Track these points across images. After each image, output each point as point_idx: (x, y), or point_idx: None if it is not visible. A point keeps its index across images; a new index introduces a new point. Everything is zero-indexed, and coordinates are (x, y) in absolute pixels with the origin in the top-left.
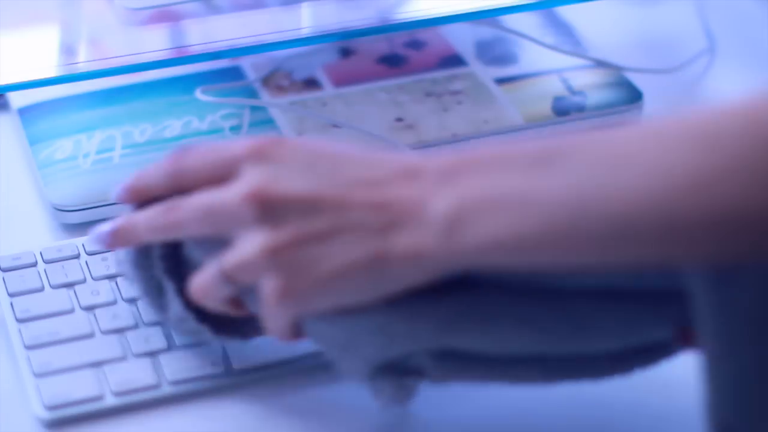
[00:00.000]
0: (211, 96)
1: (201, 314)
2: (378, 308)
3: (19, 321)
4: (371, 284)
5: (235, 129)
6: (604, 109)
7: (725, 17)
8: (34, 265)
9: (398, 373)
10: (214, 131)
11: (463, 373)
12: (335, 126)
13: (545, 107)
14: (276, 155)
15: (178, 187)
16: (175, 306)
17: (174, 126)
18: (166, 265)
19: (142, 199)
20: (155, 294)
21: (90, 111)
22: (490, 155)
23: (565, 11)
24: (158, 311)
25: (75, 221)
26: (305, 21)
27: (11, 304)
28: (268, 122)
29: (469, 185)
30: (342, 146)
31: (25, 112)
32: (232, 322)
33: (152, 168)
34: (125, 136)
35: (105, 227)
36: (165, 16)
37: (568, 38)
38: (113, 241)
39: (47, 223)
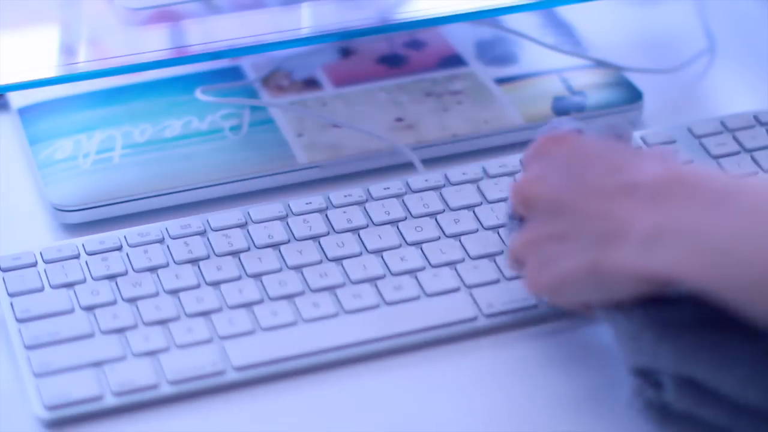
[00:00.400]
0: (211, 96)
1: None
2: (635, 315)
3: (19, 321)
4: (591, 289)
5: (235, 129)
6: (604, 109)
7: (725, 17)
8: (34, 265)
9: (647, 382)
10: (214, 131)
11: (699, 406)
12: (335, 126)
13: (545, 107)
14: (549, 153)
15: None
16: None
17: (174, 126)
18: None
19: None
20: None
21: (90, 111)
22: (689, 181)
23: (565, 11)
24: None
25: (75, 221)
26: (305, 21)
27: (11, 304)
28: (268, 122)
29: (666, 211)
30: (593, 149)
31: (25, 112)
32: None
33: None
34: (125, 136)
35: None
36: (165, 16)
37: (568, 38)
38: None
39: (47, 223)
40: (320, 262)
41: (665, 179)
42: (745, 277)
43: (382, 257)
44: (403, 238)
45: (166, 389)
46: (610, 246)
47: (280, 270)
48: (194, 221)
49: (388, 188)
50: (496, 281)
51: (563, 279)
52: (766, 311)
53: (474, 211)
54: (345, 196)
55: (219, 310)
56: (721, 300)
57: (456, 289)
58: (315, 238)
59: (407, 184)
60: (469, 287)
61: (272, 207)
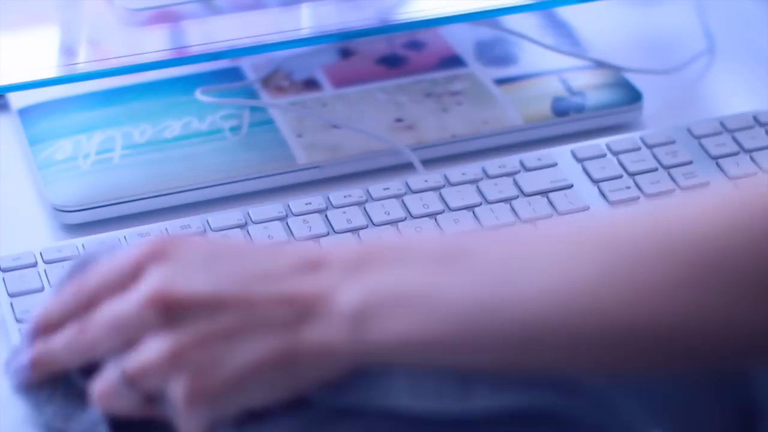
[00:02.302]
0: (211, 96)
1: (113, 423)
2: (291, 423)
3: (19, 321)
4: (282, 381)
5: (235, 129)
6: (604, 109)
7: (725, 17)
8: (34, 265)
9: None
10: (214, 131)
11: None
12: (335, 126)
13: (545, 108)
14: (175, 254)
15: (88, 309)
16: (91, 411)
17: (174, 126)
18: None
19: (54, 330)
20: (62, 402)
21: (90, 111)
22: (395, 248)
23: (565, 11)
24: (62, 420)
25: (75, 221)
26: (305, 21)
27: (11, 304)
28: (268, 123)
29: (375, 279)
30: (240, 242)
31: (25, 113)
32: (145, 430)
33: (56, 298)
34: (125, 137)
35: (21, 360)
36: (165, 16)
37: (568, 38)
38: (35, 373)
39: (47, 223)
40: None
41: (358, 252)
42: (493, 333)
43: None
44: None
45: None
46: (307, 326)
47: None
48: (194, 222)
49: (388, 189)
50: None
51: (244, 375)
52: (524, 365)
53: (474, 212)
54: (345, 196)
55: None
56: (459, 364)
57: None
58: (315, 238)
59: (407, 184)
60: None
61: (272, 207)
